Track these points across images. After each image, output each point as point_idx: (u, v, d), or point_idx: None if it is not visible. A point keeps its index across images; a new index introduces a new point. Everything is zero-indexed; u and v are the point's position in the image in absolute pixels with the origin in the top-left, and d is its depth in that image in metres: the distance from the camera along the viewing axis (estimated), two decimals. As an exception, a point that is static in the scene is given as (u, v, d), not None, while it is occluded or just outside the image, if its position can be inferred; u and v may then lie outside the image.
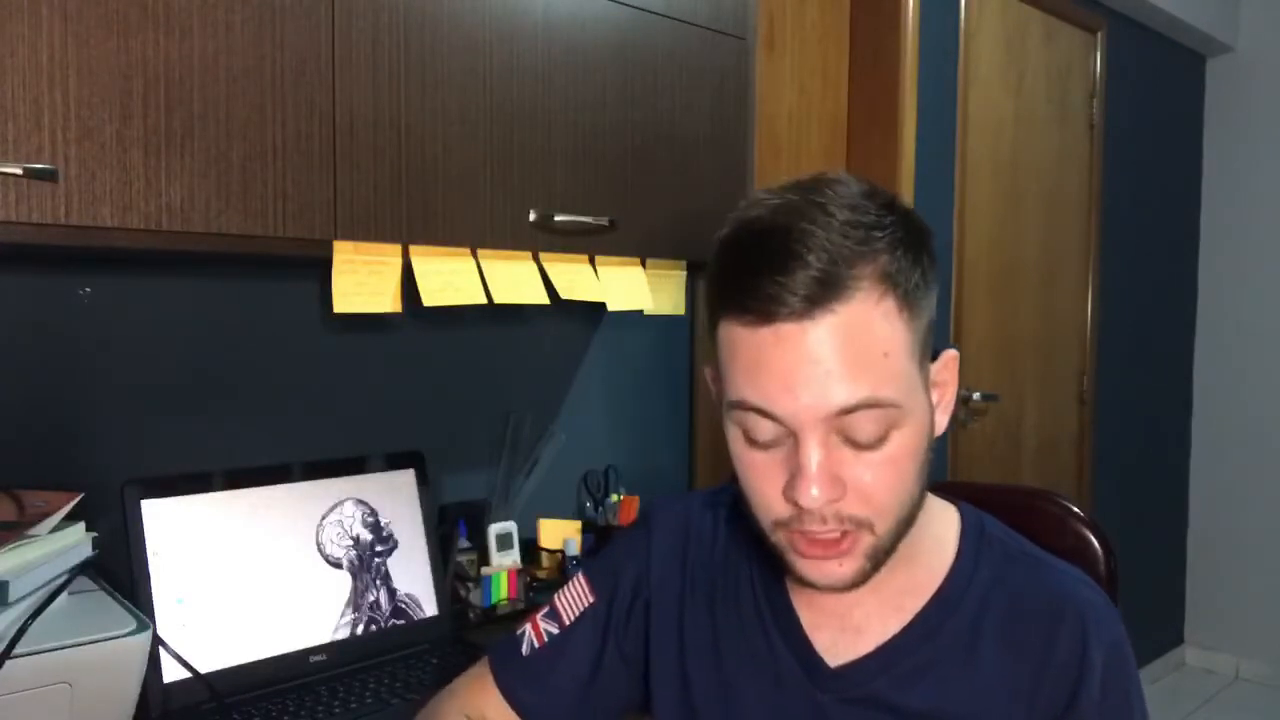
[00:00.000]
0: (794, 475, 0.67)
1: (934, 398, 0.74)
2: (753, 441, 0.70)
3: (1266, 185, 3.54)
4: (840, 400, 0.65)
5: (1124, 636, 0.76)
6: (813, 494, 0.67)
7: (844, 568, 0.71)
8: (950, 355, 0.76)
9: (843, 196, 0.68)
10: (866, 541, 0.71)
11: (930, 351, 0.73)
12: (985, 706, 0.75)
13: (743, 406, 0.69)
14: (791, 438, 0.68)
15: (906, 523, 0.73)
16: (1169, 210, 3.58)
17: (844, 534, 0.70)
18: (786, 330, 0.65)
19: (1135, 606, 3.20)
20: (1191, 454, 3.76)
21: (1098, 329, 3.21)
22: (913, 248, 0.69)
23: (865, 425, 0.67)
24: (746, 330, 0.67)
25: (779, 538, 0.72)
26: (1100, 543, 0.94)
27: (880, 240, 0.67)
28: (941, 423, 0.75)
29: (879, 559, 0.72)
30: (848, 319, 0.65)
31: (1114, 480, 3.31)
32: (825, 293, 0.65)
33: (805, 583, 0.73)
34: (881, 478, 0.68)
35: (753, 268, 0.66)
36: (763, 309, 0.66)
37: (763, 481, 0.70)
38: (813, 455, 0.67)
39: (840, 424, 0.67)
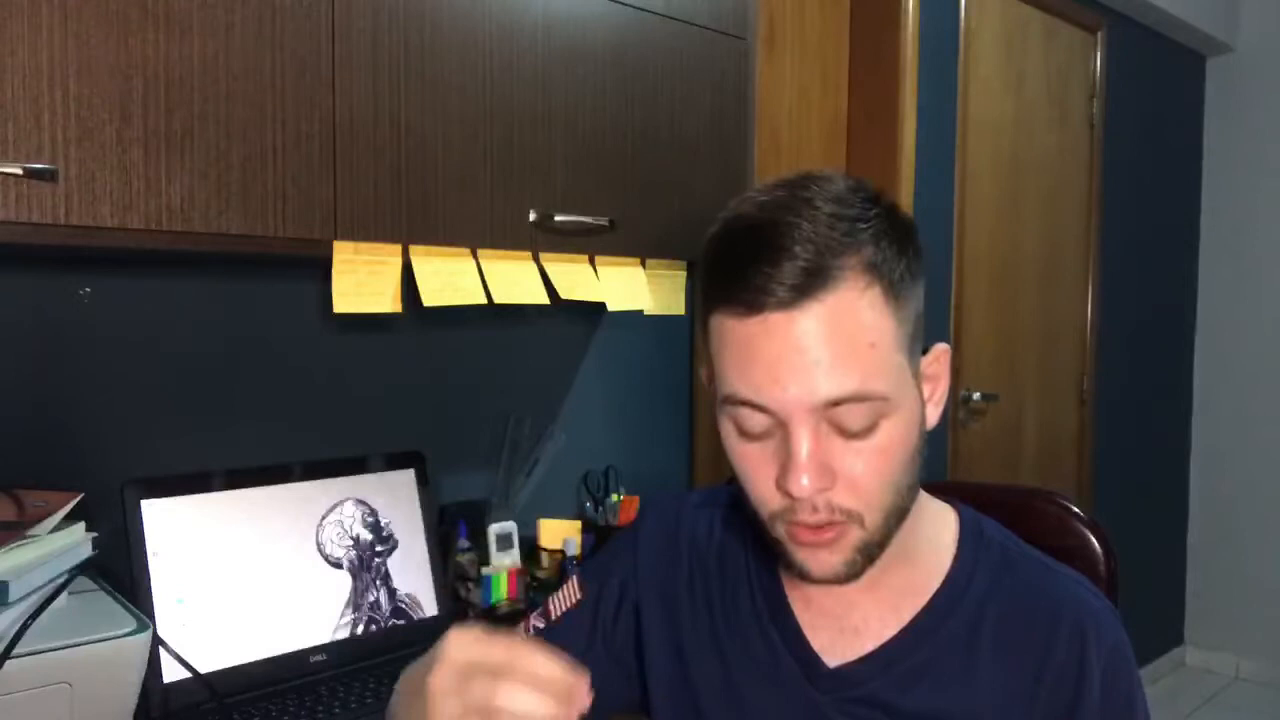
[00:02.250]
0: (785, 466, 0.68)
1: (925, 391, 0.74)
2: (745, 434, 0.71)
3: (1266, 185, 3.53)
4: (827, 392, 0.66)
5: (1125, 641, 0.76)
6: (803, 483, 0.67)
7: (835, 557, 0.71)
8: (941, 349, 0.77)
9: (828, 191, 0.70)
10: (855, 536, 0.71)
11: (920, 344, 0.74)
12: (984, 709, 0.75)
13: (733, 400, 0.70)
14: (782, 429, 0.69)
15: (897, 516, 0.73)
16: (1169, 210, 3.58)
17: (831, 524, 0.70)
18: (774, 320, 0.67)
19: (1135, 606, 3.20)
20: (1191, 454, 3.76)
21: (1098, 329, 3.21)
22: (897, 239, 0.70)
23: (853, 417, 0.68)
24: (735, 321, 0.68)
25: (778, 530, 0.73)
26: (1100, 543, 0.94)
27: (865, 231, 0.68)
28: (933, 416, 0.75)
29: (870, 553, 0.72)
30: (834, 308, 0.66)
31: (1114, 480, 3.31)
32: (811, 282, 0.66)
33: (803, 575, 0.73)
34: (871, 467, 0.69)
35: (741, 261, 0.68)
36: (751, 299, 0.67)
37: (757, 474, 0.71)
38: (803, 445, 0.67)
39: (829, 415, 0.68)
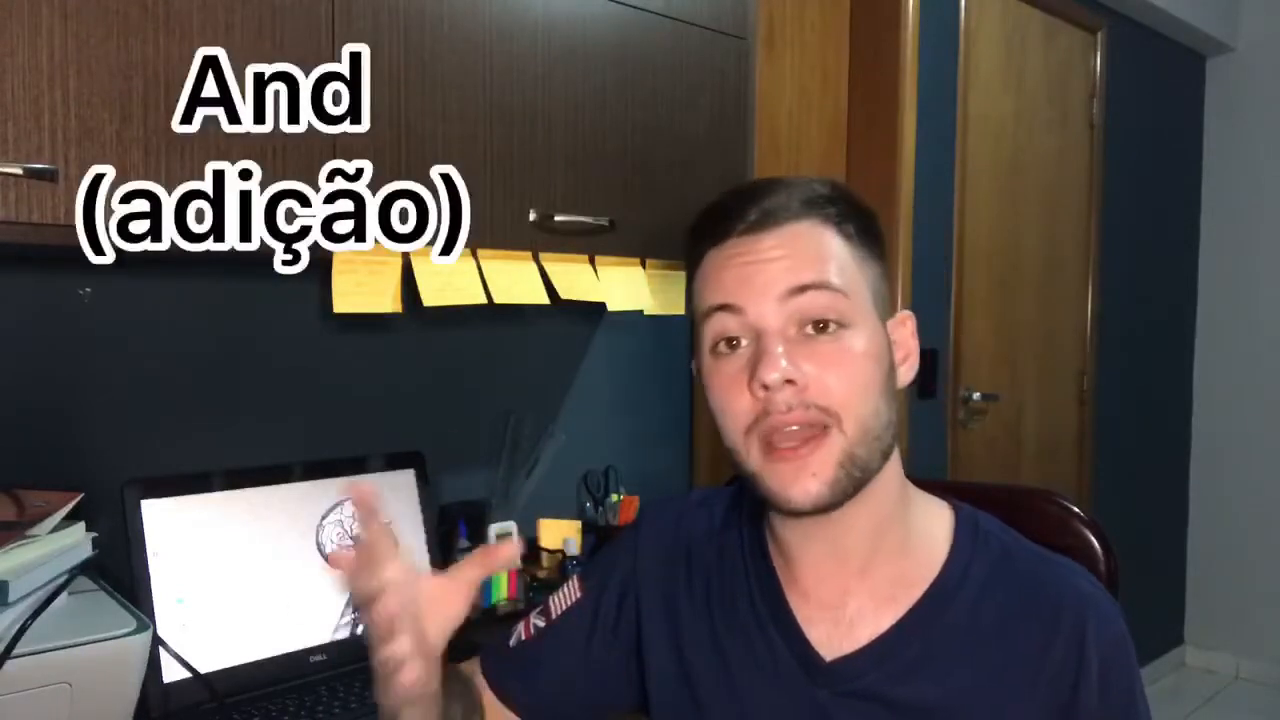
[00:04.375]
0: (756, 366, 0.73)
1: (897, 354, 0.79)
2: (720, 352, 0.76)
3: (1266, 185, 3.53)
4: (791, 280, 0.74)
5: (1125, 632, 0.77)
6: (780, 365, 0.72)
7: (818, 478, 0.72)
8: (906, 314, 0.82)
9: (802, 179, 0.81)
10: (836, 444, 0.73)
11: (885, 304, 0.79)
12: (982, 700, 0.75)
13: (710, 310, 0.77)
14: (754, 340, 0.74)
15: (876, 438, 0.74)
16: (1169, 210, 3.58)
17: (809, 430, 0.72)
18: (744, 241, 0.77)
19: (1135, 606, 3.19)
20: (1191, 454, 3.75)
21: (1098, 329, 3.21)
22: (856, 216, 0.79)
23: (817, 305, 0.74)
24: (713, 251, 0.78)
25: (754, 457, 0.74)
26: (1100, 543, 0.94)
27: (826, 204, 0.78)
28: (905, 376, 0.81)
29: (852, 470, 0.73)
30: (795, 233, 0.76)
31: (1114, 480, 3.31)
32: (776, 215, 0.76)
33: (786, 505, 0.74)
34: (839, 369, 0.73)
35: (717, 207, 0.80)
36: (724, 228, 0.78)
37: (731, 387, 0.75)
38: (773, 340, 0.73)
39: (795, 308, 0.74)
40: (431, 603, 0.71)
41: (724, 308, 0.76)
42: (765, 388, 0.72)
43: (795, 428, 0.72)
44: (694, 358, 0.82)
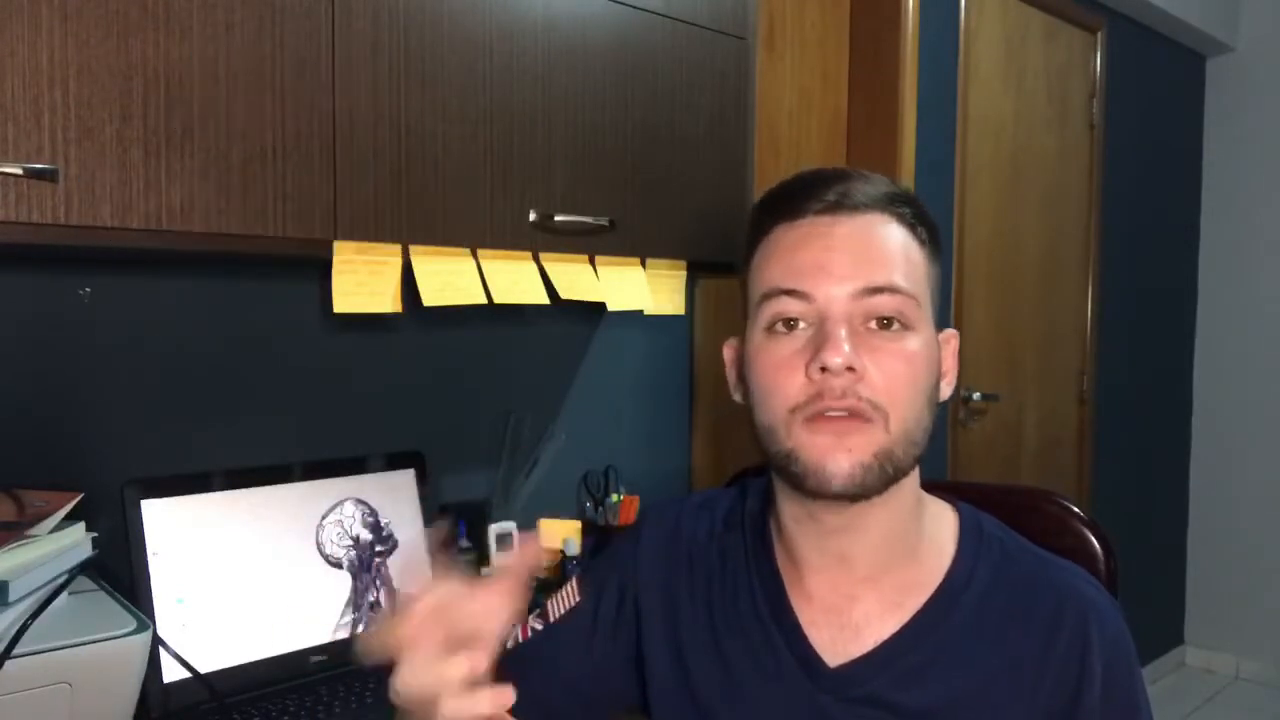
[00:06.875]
0: (819, 349, 0.72)
1: (942, 364, 0.79)
2: (776, 332, 0.75)
3: (1266, 185, 3.53)
4: (866, 279, 0.74)
5: (1126, 633, 0.77)
6: (844, 350, 0.71)
7: (854, 455, 0.72)
8: (951, 332, 0.82)
9: (879, 175, 0.81)
10: (878, 437, 0.72)
11: (938, 319, 0.79)
12: (985, 703, 0.75)
13: (776, 292, 0.76)
14: (816, 324, 0.74)
15: (914, 441, 0.74)
16: (1169, 210, 3.58)
17: (857, 422, 0.72)
18: (820, 222, 0.76)
19: (1135, 606, 3.19)
20: (1191, 454, 3.75)
21: (1098, 329, 3.21)
22: (927, 222, 0.79)
23: (887, 306, 0.74)
24: (784, 227, 0.77)
25: (795, 433, 0.73)
26: (1100, 543, 0.94)
27: (902, 204, 0.78)
28: (945, 391, 0.80)
29: (886, 467, 0.73)
30: (871, 223, 0.76)
31: (1114, 480, 3.31)
32: (854, 201, 0.76)
33: (818, 485, 0.73)
34: (895, 368, 0.73)
35: (797, 185, 0.79)
36: (800, 206, 0.77)
37: (783, 368, 0.74)
38: (839, 326, 0.73)
39: (864, 306, 0.74)
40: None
41: (791, 293, 0.75)
42: (824, 370, 0.71)
43: (844, 413, 0.72)
44: (731, 363, 0.82)
